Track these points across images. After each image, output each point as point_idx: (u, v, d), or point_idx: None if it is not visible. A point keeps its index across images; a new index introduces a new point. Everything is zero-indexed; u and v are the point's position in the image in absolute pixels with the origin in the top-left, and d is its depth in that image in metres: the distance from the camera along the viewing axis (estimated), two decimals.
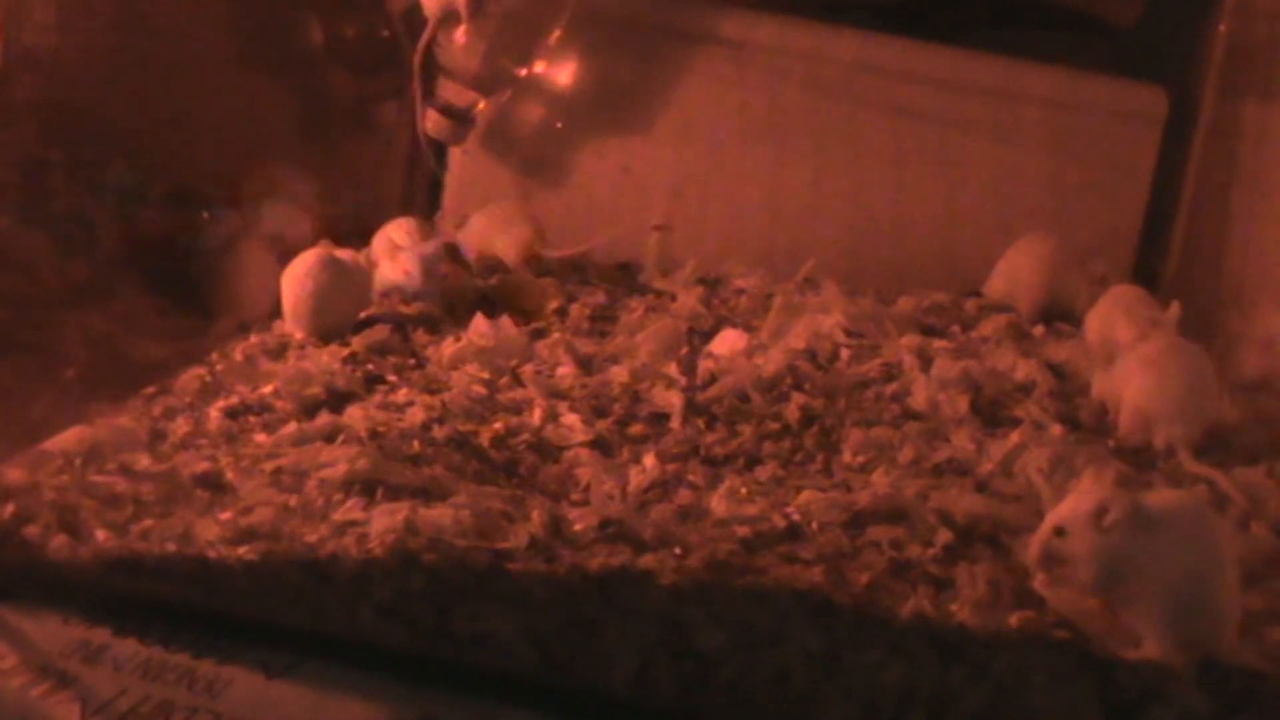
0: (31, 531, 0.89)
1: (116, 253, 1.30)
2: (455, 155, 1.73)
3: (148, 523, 0.89)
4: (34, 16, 1.17)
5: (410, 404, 1.11)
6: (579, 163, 1.72)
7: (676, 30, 1.69)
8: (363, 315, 1.34)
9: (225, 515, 0.89)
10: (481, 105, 1.66)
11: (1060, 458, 1.06)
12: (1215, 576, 0.81)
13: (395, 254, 1.42)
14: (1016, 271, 1.53)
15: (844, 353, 1.31)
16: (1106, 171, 1.63)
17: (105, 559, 0.87)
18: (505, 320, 1.29)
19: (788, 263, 1.61)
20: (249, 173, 1.47)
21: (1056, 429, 1.14)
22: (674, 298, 1.52)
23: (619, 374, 1.22)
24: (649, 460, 1.04)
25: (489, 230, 1.58)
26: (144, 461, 0.98)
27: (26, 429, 1.01)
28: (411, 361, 1.25)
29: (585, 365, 1.25)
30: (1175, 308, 1.25)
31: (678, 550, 0.88)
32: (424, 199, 1.76)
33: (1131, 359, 1.18)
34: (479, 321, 1.30)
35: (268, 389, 1.13)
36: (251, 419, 1.08)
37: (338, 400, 1.12)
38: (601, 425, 1.11)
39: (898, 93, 1.64)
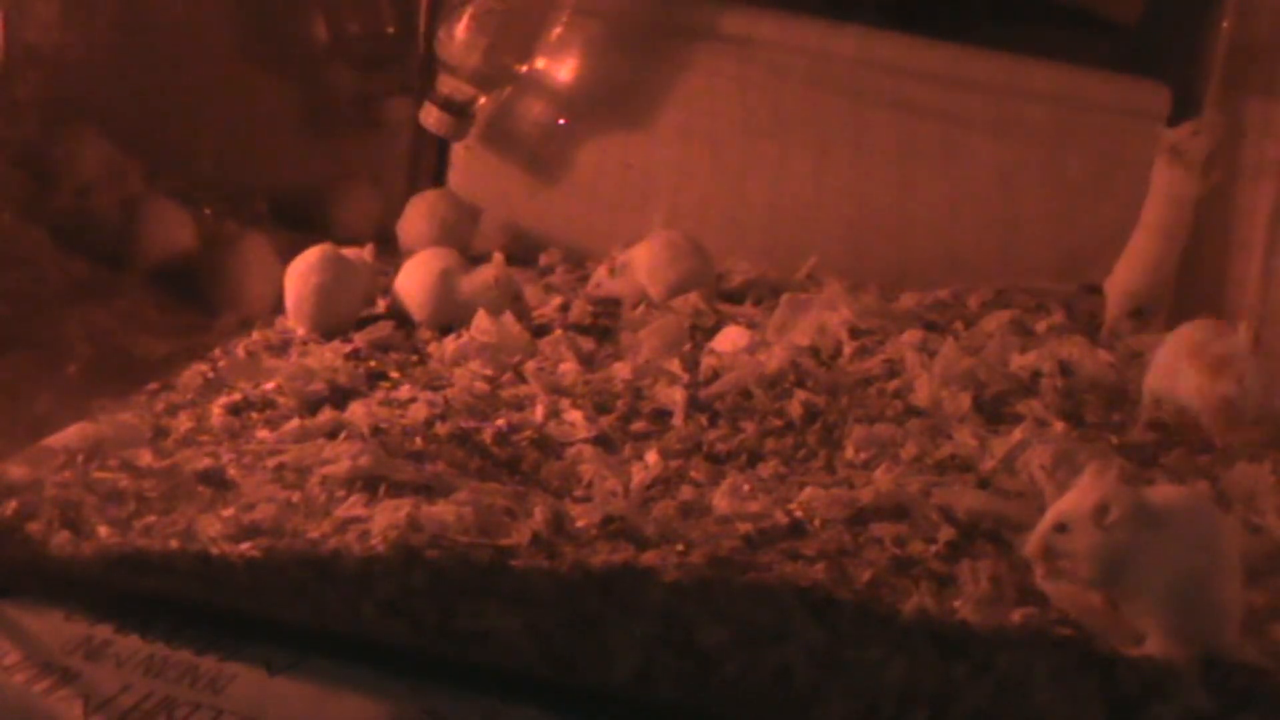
0: (34, 528, 0.89)
1: None
2: (457, 151, 1.73)
3: (150, 519, 0.89)
4: (36, 13, 1.17)
5: (413, 400, 1.11)
6: (580, 159, 1.72)
7: (678, 26, 1.69)
8: None
9: (227, 512, 0.89)
10: (482, 101, 1.66)
11: (1063, 454, 1.06)
12: (1218, 573, 0.81)
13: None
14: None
15: (847, 349, 1.31)
16: (1109, 168, 1.63)
17: (108, 555, 0.87)
18: (508, 317, 1.29)
19: (790, 259, 1.60)
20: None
21: (1059, 426, 1.14)
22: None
23: (622, 370, 1.22)
24: (651, 457, 1.04)
25: None
26: (146, 458, 0.98)
27: (29, 425, 1.01)
28: (414, 358, 1.25)
29: (588, 362, 1.25)
30: None
31: (680, 547, 0.88)
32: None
33: None
34: (481, 318, 1.30)
35: (270, 385, 1.13)
36: (254, 415, 1.08)
37: (340, 397, 1.12)
38: (604, 422, 1.11)
39: (900, 89, 1.64)
